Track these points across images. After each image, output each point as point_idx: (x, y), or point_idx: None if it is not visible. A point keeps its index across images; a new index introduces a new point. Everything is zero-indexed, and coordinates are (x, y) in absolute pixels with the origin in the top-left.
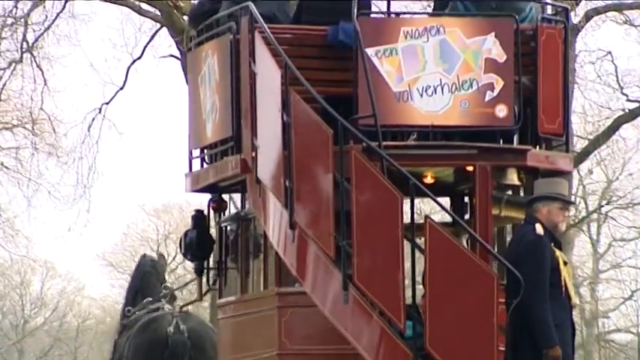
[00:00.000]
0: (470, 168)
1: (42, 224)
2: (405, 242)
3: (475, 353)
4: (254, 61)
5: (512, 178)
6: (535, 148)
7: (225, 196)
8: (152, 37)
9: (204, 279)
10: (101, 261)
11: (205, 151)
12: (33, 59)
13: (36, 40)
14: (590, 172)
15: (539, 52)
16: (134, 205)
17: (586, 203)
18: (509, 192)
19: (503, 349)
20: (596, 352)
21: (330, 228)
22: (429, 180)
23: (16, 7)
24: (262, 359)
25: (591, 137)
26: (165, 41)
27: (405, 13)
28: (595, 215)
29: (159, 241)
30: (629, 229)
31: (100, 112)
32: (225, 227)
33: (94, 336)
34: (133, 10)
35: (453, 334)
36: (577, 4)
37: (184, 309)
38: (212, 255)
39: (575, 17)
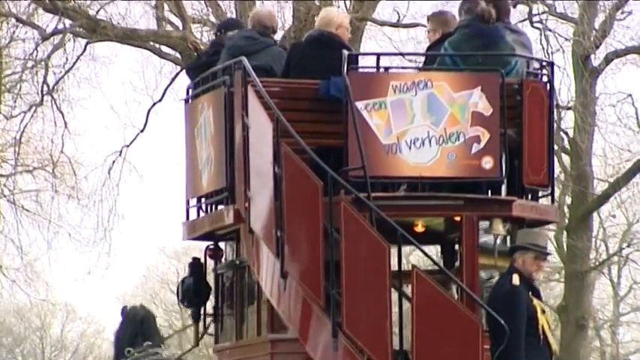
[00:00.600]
0: (457, 218)
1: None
2: (394, 290)
3: None
4: (247, 114)
5: (498, 228)
6: (521, 198)
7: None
8: (173, 79)
9: (200, 325)
10: (121, 304)
11: (202, 200)
12: (53, 102)
13: (56, 82)
14: (613, 215)
15: (525, 105)
16: (154, 247)
17: (606, 246)
18: (499, 241)
19: None
20: None
21: (320, 277)
22: (419, 228)
23: (36, 49)
24: None
25: (611, 180)
26: (186, 84)
27: (394, 67)
28: (615, 258)
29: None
30: None
31: (120, 154)
32: (222, 274)
33: None
34: (154, 53)
35: None
36: (597, 47)
37: (183, 357)
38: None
39: (596, 60)
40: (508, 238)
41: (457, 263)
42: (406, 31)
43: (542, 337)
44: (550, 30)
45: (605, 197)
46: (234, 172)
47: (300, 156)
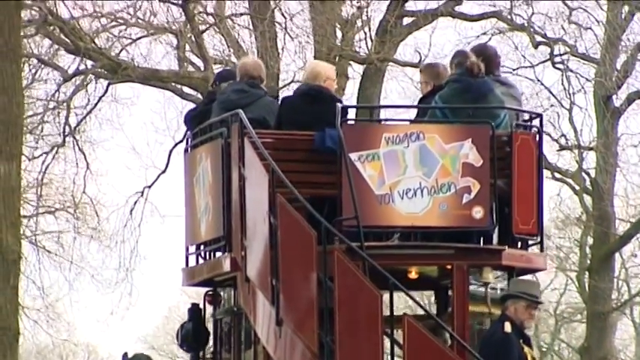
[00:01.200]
0: (448, 266)
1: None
2: (386, 336)
3: None
4: (243, 165)
5: (488, 276)
6: (511, 247)
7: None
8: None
9: None
10: (143, 344)
11: (200, 247)
12: (75, 143)
13: (78, 123)
14: (635, 255)
15: (514, 156)
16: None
17: (628, 286)
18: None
19: None
20: None
21: (314, 325)
22: (413, 275)
23: (58, 90)
24: None
25: (633, 220)
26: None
27: (386, 120)
28: (638, 298)
29: None
30: None
31: (142, 195)
32: (220, 320)
33: None
34: (175, 94)
35: None
36: (619, 88)
37: None
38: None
39: (617, 100)
40: (499, 286)
41: (450, 309)
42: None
43: None
44: (572, 71)
45: (627, 238)
46: (231, 222)
47: (294, 205)
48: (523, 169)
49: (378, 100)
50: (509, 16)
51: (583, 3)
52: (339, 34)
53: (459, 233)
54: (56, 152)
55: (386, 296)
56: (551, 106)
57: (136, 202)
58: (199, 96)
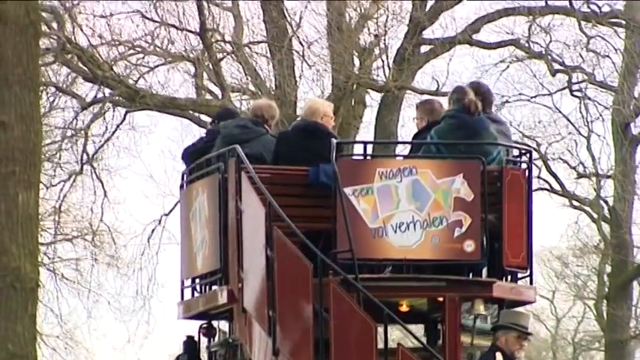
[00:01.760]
0: (440, 299)
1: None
2: None
3: None
4: (240, 199)
5: (479, 308)
6: (501, 280)
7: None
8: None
9: None
10: None
11: (196, 280)
12: (93, 171)
13: (96, 151)
14: None
15: (504, 191)
16: None
17: None
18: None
19: None
20: None
21: (310, 355)
22: (404, 308)
23: (76, 118)
24: None
25: None
26: None
27: (380, 156)
28: None
29: None
30: None
31: (159, 223)
32: (215, 352)
33: None
34: (192, 122)
35: None
36: (637, 116)
37: None
38: None
39: (635, 128)
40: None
41: (440, 342)
42: (445, 98)
43: None
44: (589, 99)
45: None
46: (228, 254)
47: (290, 239)
48: (513, 204)
49: (395, 128)
50: (527, 44)
51: (601, 31)
52: (356, 62)
53: (451, 266)
54: (74, 180)
55: (380, 329)
56: (569, 133)
57: (153, 230)
58: None
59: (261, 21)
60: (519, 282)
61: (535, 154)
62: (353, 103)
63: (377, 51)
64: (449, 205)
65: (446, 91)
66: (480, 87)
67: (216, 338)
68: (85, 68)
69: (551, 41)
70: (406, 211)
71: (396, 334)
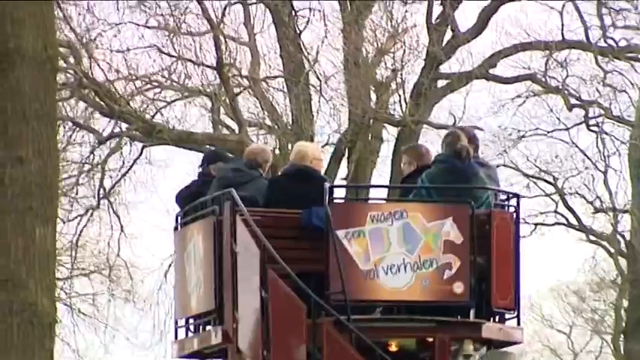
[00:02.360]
0: (430, 339)
1: None
2: None
3: None
4: (235, 242)
5: (468, 349)
6: (489, 321)
7: None
8: None
9: None
10: None
11: (190, 320)
12: (110, 205)
13: (113, 186)
14: None
15: (493, 235)
16: None
17: None
18: None
19: None
20: None
21: None
22: (393, 348)
23: (93, 153)
24: None
25: None
26: None
27: (372, 199)
28: None
29: None
30: None
31: None
32: None
33: None
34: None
35: None
36: None
37: None
38: None
39: None
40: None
41: None
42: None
43: None
44: (606, 133)
45: None
46: (222, 295)
47: (284, 280)
48: (501, 247)
49: None
50: (543, 79)
51: (618, 65)
52: (373, 96)
53: (440, 307)
54: (91, 215)
55: None
56: (586, 168)
57: (170, 265)
58: None
59: (278, 55)
60: (507, 323)
61: (552, 189)
62: (370, 138)
63: (394, 85)
64: (439, 248)
65: (463, 125)
66: (467, 132)
67: None
68: (102, 103)
69: (567, 76)
70: (397, 254)
71: None
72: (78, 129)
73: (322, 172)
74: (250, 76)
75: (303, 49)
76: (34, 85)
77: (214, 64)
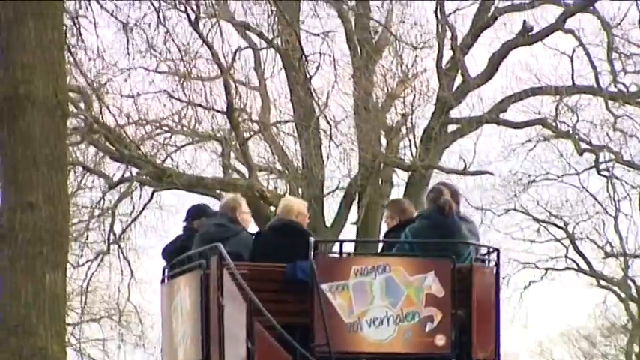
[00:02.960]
0: None
1: None
2: None
3: None
4: (222, 294)
5: None
6: None
7: None
8: None
9: None
10: None
11: None
12: (120, 250)
13: (123, 231)
14: None
15: (474, 288)
16: None
17: None
18: None
19: None
20: None
21: None
22: None
23: (103, 198)
24: None
25: None
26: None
27: (355, 253)
28: None
29: None
30: None
31: None
32: None
33: None
34: (219, 201)
35: None
36: None
37: None
38: None
39: None
40: None
41: None
42: (472, 179)
43: None
44: (617, 178)
45: None
46: (209, 347)
47: (270, 332)
48: (482, 300)
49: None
50: (554, 124)
51: (628, 110)
52: (383, 141)
53: (422, 359)
54: (101, 260)
55: None
56: (597, 213)
57: None
58: None
59: (288, 100)
60: None
61: (562, 234)
62: (380, 183)
63: (404, 130)
64: (421, 301)
65: (473, 170)
66: (450, 188)
67: None
68: (113, 148)
69: (578, 121)
70: (380, 307)
71: None
72: (88, 174)
73: (306, 227)
74: (260, 120)
75: (314, 94)
76: (45, 130)
77: (224, 109)
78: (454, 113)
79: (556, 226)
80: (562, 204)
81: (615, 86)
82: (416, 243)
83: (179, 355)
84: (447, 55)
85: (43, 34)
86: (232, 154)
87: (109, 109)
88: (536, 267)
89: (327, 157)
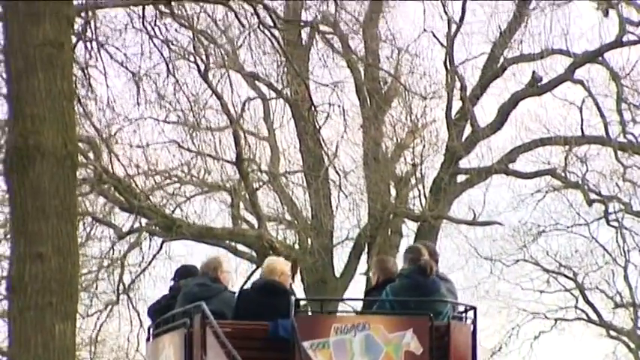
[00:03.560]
0: None
1: None
2: None
3: None
4: (205, 353)
5: None
6: None
7: None
8: (248, 277)
9: None
10: None
11: None
12: (129, 301)
13: (132, 281)
14: None
15: (451, 345)
16: None
17: None
18: None
19: None
20: None
21: None
22: None
23: (112, 248)
24: None
25: None
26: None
27: (336, 312)
28: None
29: None
30: None
31: None
32: None
33: None
34: (230, 251)
35: None
36: None
37: None
38: None
39: None
40: None
41: None
42: (482, 229)
43: None
44: (626, 228)
45: None
46: None
47: None
48: (459, 357)
49: None
50: (563, 174)
51: (637, 161)
52: (393, 191)
53: None
54: (110, 310)
55: None
56: (606, 263)
57: None
58: (253, 254)
59: (298, 150)
60: None
61: (572, 284)
62: (389, 233)
63: (413, 180)
64: (400, 358)
65: (482, 220)
66: (428, 247)
67: None
68: (122, 198)
69: (587, 171)
70: None
71: None
72: (97, 224)
73: (289, 286)
74: (270, 170)
75: (323, 144)
76: (54, 181)
77: (234, 159)
78: (463, 163)
79: (565, 276)
80: (572, 254)
81: (625, 136)
82: (396, 301)
83: None
84: (457, 105)
85: (53, 85)
86: (241, 204)
87: (118, 160)
88: (546, 317)
89: (337, 208)
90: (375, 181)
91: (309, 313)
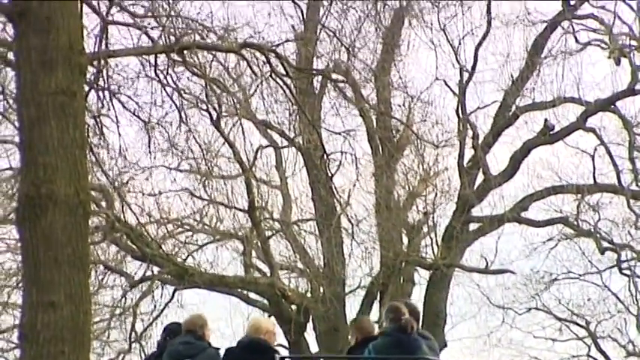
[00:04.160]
0: None
1: None
2: None
3: None
4: None
5: None
6: None
7: None
8: None
9: None
10: None
11: None
12: (141, 349)
13: (144, 330)
14: None
15: None
16: None
17: None
18: None
19: None
20: None
21: None
22: None
23: (124, 297)
24: None
25: None
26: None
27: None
28: None
29: None
30: None
31: None
32: None
33: None
34: (241, 300)
35: None
36: None
37: None
38: None
39: None
40: None
41: None
42: (494, 277)
43: None
44: (639, 276)
45: None
46: None
47: None
48: None
49: (444, 306)
50: (575, 222)
51: None
52: (405, 239)
53: None
54: (122, 359)
55: None
56: (619, 312)
57: None
58: (265, 302)
59: (310, 199)
60: None
61: (584, 333)
62: (401, 281)
63: (425, 228)
64: None
65: (494, 268)
66: (408, 305)
67: None
68: (134, 246)
69: (599, 219)
70: None
71: None
72: (109, 272)
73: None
74: (282, 219)
75: (335, 193)
76: (67, 230)
77: (246, 208)
78: (475, 212)
79: (578, 324)
80: (584, 302)
81: (637, 185)
82: (379, 359)
83: None
84: (469, 153)
85: (65, 134)
86: (254, 253)
87: (130, 208)
88: None
89: (349, 256)
90: (387, 229)
91: None
